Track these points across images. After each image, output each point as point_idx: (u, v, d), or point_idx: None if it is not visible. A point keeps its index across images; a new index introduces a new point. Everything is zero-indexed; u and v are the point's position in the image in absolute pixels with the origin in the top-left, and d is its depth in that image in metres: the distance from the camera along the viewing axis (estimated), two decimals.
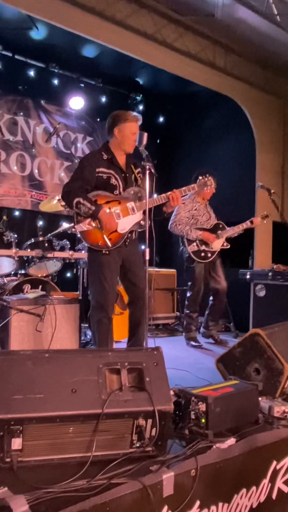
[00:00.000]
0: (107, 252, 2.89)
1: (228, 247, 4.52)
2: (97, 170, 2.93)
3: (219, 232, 4.44)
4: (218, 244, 4.41)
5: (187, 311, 4.54)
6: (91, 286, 3.06)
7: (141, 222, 2.95)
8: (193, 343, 4.46)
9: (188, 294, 4.52)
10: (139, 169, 3.07)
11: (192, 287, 4.44)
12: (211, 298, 4.56)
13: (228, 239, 4.50)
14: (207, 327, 4.59)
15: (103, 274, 2.90)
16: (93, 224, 2.88)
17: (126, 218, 2.94)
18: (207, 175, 3.22)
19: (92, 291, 3.04)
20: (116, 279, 3.03)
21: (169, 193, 2.97)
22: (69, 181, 3.04)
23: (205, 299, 4.60)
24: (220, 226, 4.50)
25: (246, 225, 4.47)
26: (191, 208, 4.44)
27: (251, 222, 4.47)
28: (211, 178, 3.20)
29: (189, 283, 4.49)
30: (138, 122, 3.01)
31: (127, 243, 2.97)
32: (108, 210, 2.90)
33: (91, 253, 2.99)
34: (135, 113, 3.06)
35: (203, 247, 4.36)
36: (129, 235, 2.98)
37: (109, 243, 2.87)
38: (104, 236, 2.87)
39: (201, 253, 4.36)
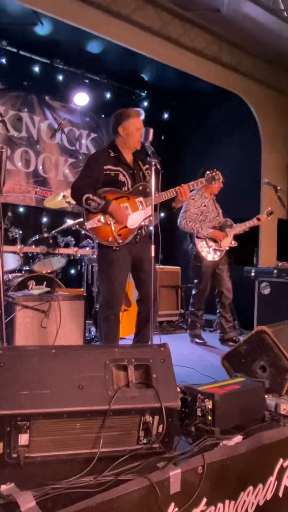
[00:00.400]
0: (117, 249, 2.88)
1: (236, 245, 4.47)
2: (104, 167, 2.92)
3: (227, 229, 4.39)
4: (226, 242, 4.37)
5: (192, 309, 4.52)
6: (100, 283, 3.06)
7: (151, 217, 2.94)
8: (197, 340, 4.45)
9: (193, 292, 4.49)
10: (146, 166, 3.06)
11: (199, 285, 4.40)
12: (217, 300, 4.49)
13: (234, 237, 4.47)
14: (225, 331, 4.48)
15: (112, 271, 2.90)
16: (103, 220, 2.88)
17: (136, 214, 2.93)
18: (215, 169, 3.21)
19: (101, 288, 3.03)
20: (126, 276, 3.02)
21: (177, 188, 2.96)
22: (76, 180, 3.04)
23: (209, 296, 4.57)
24: (228, 223, 4.45)
25: (253, 222, 4.42)
26: (200, 204, 4.39)
27: (258, 219, 4.42)
28: (219, 172, 3.19)
29: (195, 281, 4.45)
30: (141, 116, 3.00)
31: (137, 239, 2.96)
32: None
33: (101, 250, 2.98)
34: (136, 109, 3.05)
35: (212, 245, 4.32)
36: (139, 231, 2.98)
37: (119, 239, 2.87)
38: (114, 232, 2.87)
39: (210, 251, 4.32)
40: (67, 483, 1.37)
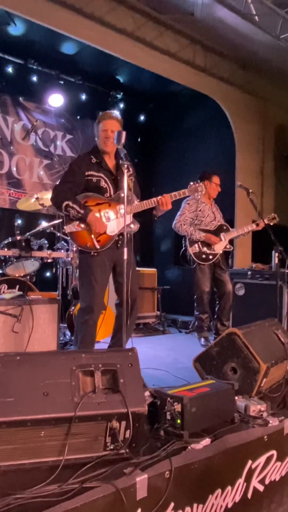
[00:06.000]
0: (96, 254, 2.88)
1: (231, 249, 4.49)
2: (86, 173, 2.94)
3: (223, 234, 4.38)
4: (220, 246, 4.35)
5: (196, 313, 4.46)
6: (81, 287, 3.04)
7: (131, 225, 2.93)
8: (203, 342, 4.38)
9: (194, 296, 4.45)
10: (130, 173, 3.05)
11: (195, 288, 4.37)
12: (217, 302, 4.46)
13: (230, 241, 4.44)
14: (218, 331, 4.41)
15: (93, 276, 2.89)
16: (82, 226, 2.88)
17: (116, 220, 2.93)
18: (198, 181, 3.17)
19: (81, 292, 3.02)
20: (106, 281, 3.02)
21: (159, 197, 2.95)
22: (58, 184, 3.04)
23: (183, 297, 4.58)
24: (224, 227, 4.44)
25: (251, 227, 4.40)
26: (195, 209, 4.39)
27: (257, 225, 4.38)
28: (202, 184, 3.14)
29: (194, 285, 4.41)
30: (107, 117, 3.00)
31: (119, 244, 2.95)
32: (97, 214, 2.90)
33: (81, 255, 2.98)
34: (106, 112, 3.06)
35: (205, 249, 4.30)
36: (121, 237, 2.96)
37: (97, 245, 2.87)
38: (93, 238, 2.86)
39: (202, 255, 4.30)
40: (30, 493, 1.34)
